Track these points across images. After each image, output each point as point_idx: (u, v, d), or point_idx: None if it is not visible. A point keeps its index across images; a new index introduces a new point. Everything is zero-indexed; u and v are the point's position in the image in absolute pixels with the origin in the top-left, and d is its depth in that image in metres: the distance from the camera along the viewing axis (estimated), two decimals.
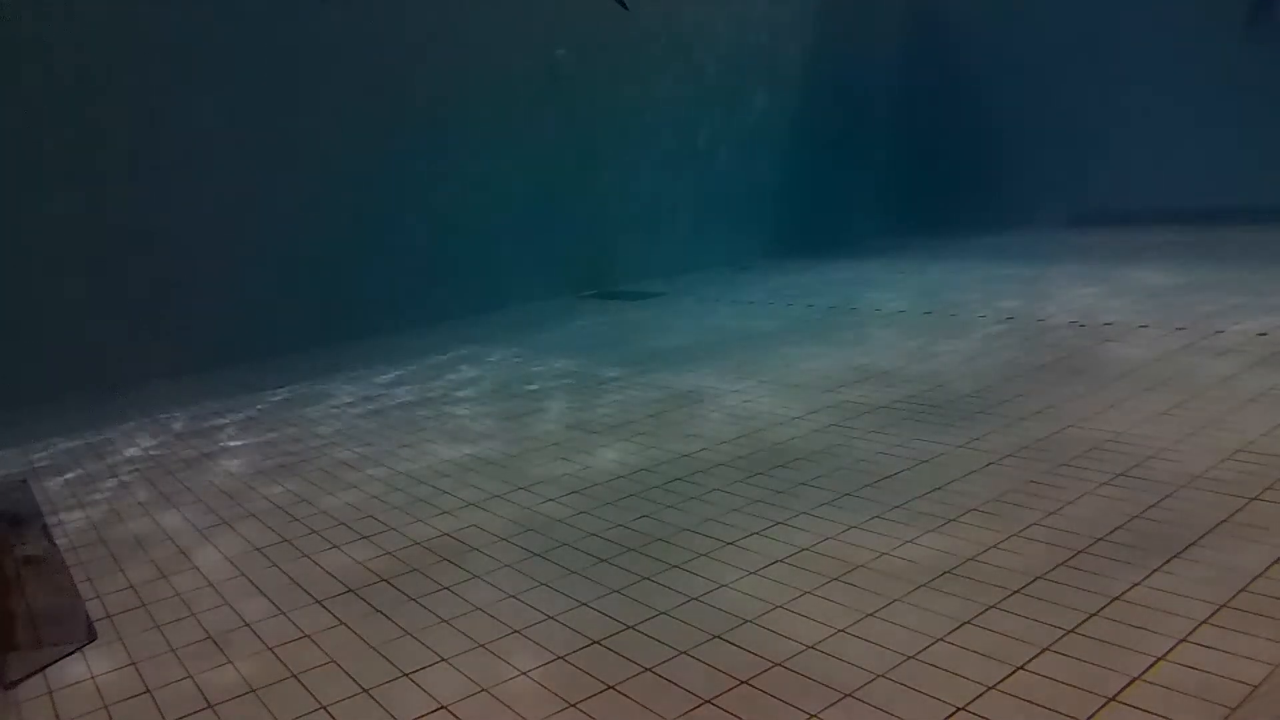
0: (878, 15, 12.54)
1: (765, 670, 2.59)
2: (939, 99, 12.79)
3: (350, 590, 3.37)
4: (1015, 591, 2.90)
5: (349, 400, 6.29)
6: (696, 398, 5.53)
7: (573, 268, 9.99)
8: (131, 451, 5.47)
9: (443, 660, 2.81)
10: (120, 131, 7.00)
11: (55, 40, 6.65)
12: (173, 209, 7.28)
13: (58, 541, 4.09)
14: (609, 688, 2.57)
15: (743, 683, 2.54)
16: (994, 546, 3.23)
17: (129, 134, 7.03)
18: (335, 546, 3.78)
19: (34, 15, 6.51)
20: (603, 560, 3.41)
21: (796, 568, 3.21)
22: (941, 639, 2.66)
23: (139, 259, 7.16)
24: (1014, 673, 2.47)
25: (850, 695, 2.43)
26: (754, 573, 3.19)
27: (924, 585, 2.99)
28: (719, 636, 2.79)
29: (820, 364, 6.09)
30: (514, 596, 3.18)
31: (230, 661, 2.92)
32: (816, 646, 2.69)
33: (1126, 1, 11.43)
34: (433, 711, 2.53)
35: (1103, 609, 2.75)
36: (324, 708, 2.62)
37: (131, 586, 3.56)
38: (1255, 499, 3.44)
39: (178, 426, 5.98)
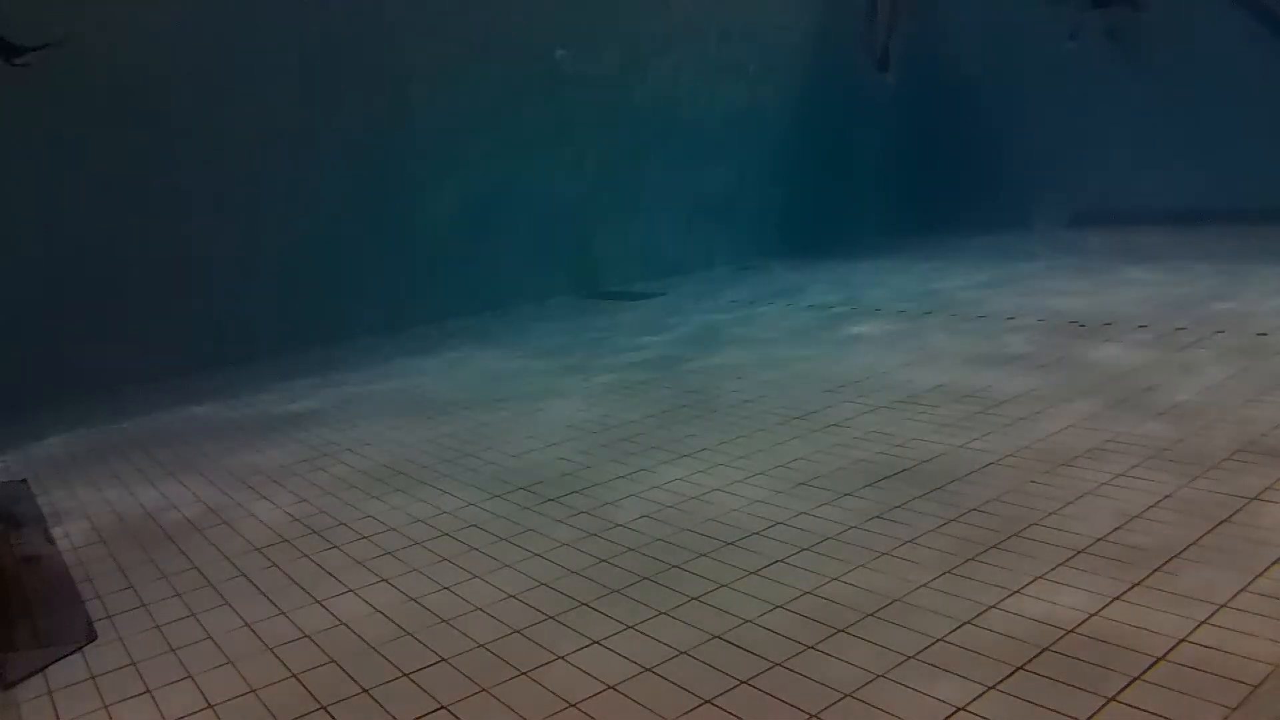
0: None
1: None
2: (939, 99, 12.76)
3: (349, 589, 3.37)
4: None
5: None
6: None
7: (572, 268, 9.99)
8: (131, 452, 5.46)
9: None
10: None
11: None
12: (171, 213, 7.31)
13: (57, 542, 4.09)
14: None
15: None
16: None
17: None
18: (334, 547, 3.79)
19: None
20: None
21: None
22: None
23: (135, 261, 7.17)
24: None
25: None
26: None
27: None
28: None
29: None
30: None
31: (230, 662, 2.92)
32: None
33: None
34: None
35: None
36: (324, 708, 2.62)
37: (131, 586, 3.56)
38: None
39: (180, 428, 5.97)
